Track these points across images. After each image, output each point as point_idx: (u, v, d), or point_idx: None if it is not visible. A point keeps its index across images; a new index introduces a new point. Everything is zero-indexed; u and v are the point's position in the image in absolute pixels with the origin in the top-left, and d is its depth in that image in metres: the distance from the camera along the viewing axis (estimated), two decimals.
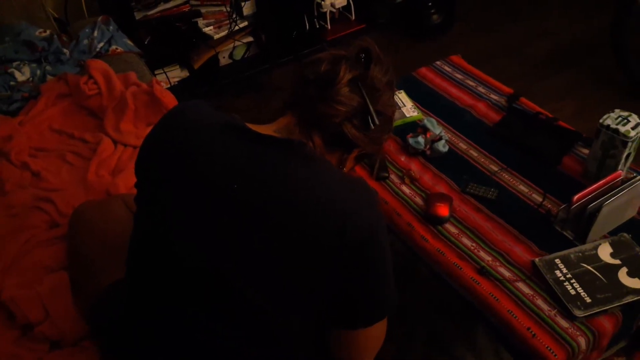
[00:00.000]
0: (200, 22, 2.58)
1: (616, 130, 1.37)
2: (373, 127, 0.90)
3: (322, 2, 2.76)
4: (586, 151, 1.54)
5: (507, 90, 1.82)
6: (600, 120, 1.40)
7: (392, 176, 1.55)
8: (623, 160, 1.41)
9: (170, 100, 1.77)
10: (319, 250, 0.82)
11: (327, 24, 2.88)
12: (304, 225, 0.82)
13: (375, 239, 0.85)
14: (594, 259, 1.28)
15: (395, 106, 1.00)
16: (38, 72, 1.96)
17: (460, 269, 1.30)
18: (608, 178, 1.35)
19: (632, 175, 1.37)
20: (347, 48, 0.94)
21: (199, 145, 0.88)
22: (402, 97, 1.80)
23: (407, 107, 1.76)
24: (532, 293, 1.24)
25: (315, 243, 0.82)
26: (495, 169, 1.54)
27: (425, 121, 1.62)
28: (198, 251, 0.85)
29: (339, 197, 0.84)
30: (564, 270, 1.25)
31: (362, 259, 0.85)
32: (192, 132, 0.89)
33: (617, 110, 1.42)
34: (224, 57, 2.75)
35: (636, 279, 1.23)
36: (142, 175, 0.95)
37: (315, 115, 0.89)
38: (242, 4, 2.64)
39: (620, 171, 1.38)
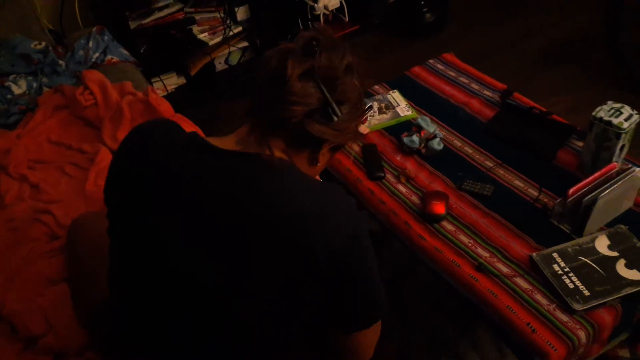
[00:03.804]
0: (195, 29, 2.59)
1: (609, 122, 1.38)
2: (337, 119, 0.85)
3: (315, 5, 2.77)
4: (581, 144, 1.54)
5: (501, 86, 1.82)
6: (593, 113, 1.40)
7: (388, 176, 1.56)
8: (617, 152, 1.41)
9: (166, 108, 1.79)
10: (300, 264, 0.80)
11: None
12: (279, 242, 0.80)
13: (356, 246, 0.84)
14: (592, 251, 1.28)
15: (359, 89, 0.91)
16: (34, 84, 1.98)
17: (459, 266, 1.31)
18: (603, 170, 1.35)
19: (627, 167, 1.36)
20: (295, 41, 0.88)
21: (162, 166, 0.87)
22: (396, 96, 1.80)
23: (401, 106, 1.76)
24: (530, 288, 1.24)
25: (295, 258, 0.80)
26: (491, 165, 1.55)
27: (420, 120, 1.62)
28: (184, 272, 0.84)
29: (312, 208, 0.82)
30: (562, 264, 1.26)
31: (346, 267, 0.83)
32: (154, 154, 0.88)
33: (609, 102, 1.42)
34: (220, 63, 2.76)
35: (634, 271, 1.23)
36: (113, 204, 0.94)
37: (273, 120, 0.85)
38: (236, 9, 2.65)
39: (615, 163, 1.39)
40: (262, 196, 0.82)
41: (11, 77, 1.97)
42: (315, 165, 0.94)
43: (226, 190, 0.83)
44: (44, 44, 2.08)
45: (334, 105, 0.85)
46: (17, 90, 1.94)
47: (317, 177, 1.23)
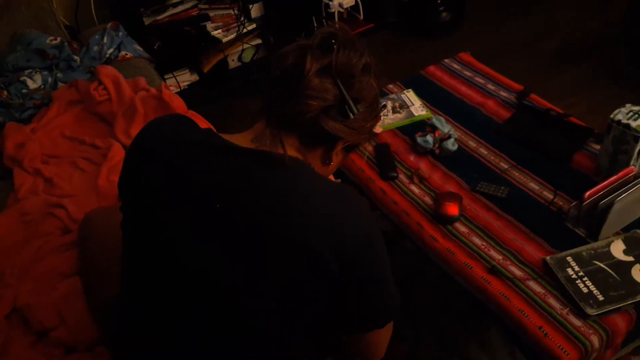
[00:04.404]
0: (209, 25, 2.59)
1: (627, 126, 1.35)
2: (352, 116, 0.85)
3: (330, 3, 2.76)
4: (598, 147, 1.52)
5: (517, 87, 1.80)
6: (611, 116, 1.38)
7: (401, 176, 1.55)
8: (635, 156, 1.38)
9: (179, 105, 1.79)
10: (308, 263, 0.79)
11: (335, 24, 2.87)
12: (289, 241, 0.79)
13: (369, 248, 0.83)
14: (607, 256, 1.26)
15: (376, 90, 0.91)
16: (49, 79, 1.99)
17: (471, 268, 1.30)
18: (620, 174, 1.33)
19: None
20: (313, 37, 0.87)
21: (174, 162, 0.86)
22: (410, 95, 1.79)
23: (416, 106, 1.75)
24: (543, 292, 1.23)
25: (304, 257, 0.79)
26: (506, 166, 1.53)
27: (434, 120, 1.61)
28: (194, 268, 0.84)
29: (326, 209, 0.81)
30: (576, 268, 1.24)
31: (354, 268, 0.82)
32: (167, 149, 0.88)
33: (628, 105, 1.40)
34: (233, 60, 2.76)
35: None
36: (126, 199, 0.94)
37: (288, 115, 0.84)
38: (250, 6, 2.65)
39: (633, 167, 1.36)
40: (275, 195, 0.81)
41: (27, 71, 1.98)
42: (328, 165, 0.93)
43: (241, 187, 0.83)
44: (59, 39, 2.09)
45: (351, 103, 0.84)
46: (32, 85, 1.95)
47: (332, 177, 1.23)
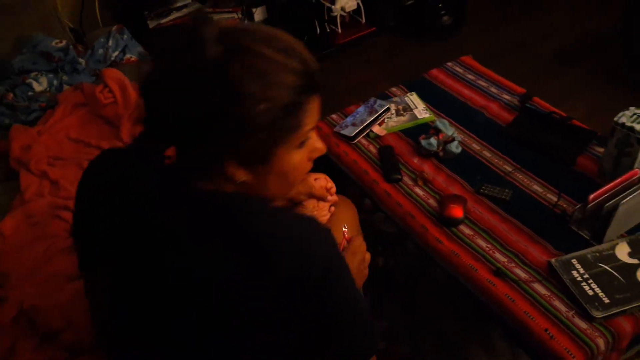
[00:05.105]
0: None
1: (631, 128, 1.36)
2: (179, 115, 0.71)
3: (333, 7, 2.77)
4: (601, 150, 1.53)
5: (520, 90, 1.81)
6: (615, 118, 1.39)
7: (405, 178, 1.55)
8: (639, 159, 1.39)
9: None
10: (270, 299, 0.75)
11: (337, 28, 2.89)
12: (247, 278, 0.74)
13: (329, 279, 0.76)
14: (612, 258, 1.27)
15: (257, 69, 0.72)
16: (55, 82, 2.00)
17: (476, 270, 1.30)
18: (624, 177, 1.33)
19: None
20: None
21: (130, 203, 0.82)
22: (413, 98, 1.80)
23: (419, 109, 1.76)
24: (548, 294, 1.23)
25: (270, 291, 0.75)
26: (509, 169, 1.53)
27: (438, 122, 1.62)
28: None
29: (274, 240, 0.75)
30: (581, 271, 1.24)
31: (320, 301, 0.77)
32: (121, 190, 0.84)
33: (632, 108, 1.40)
34: None
35: None
36: (86, 244, 0.90)
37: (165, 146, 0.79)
38: (253, 10, 2.66)
39: (637, 169, 1.37)
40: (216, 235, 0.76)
41: (32, 74, 2.00)
42: (242, 185, 0.79)
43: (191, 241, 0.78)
44: (64, 42, 2.11)
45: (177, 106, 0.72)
46: (38, 88, 1.96)
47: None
